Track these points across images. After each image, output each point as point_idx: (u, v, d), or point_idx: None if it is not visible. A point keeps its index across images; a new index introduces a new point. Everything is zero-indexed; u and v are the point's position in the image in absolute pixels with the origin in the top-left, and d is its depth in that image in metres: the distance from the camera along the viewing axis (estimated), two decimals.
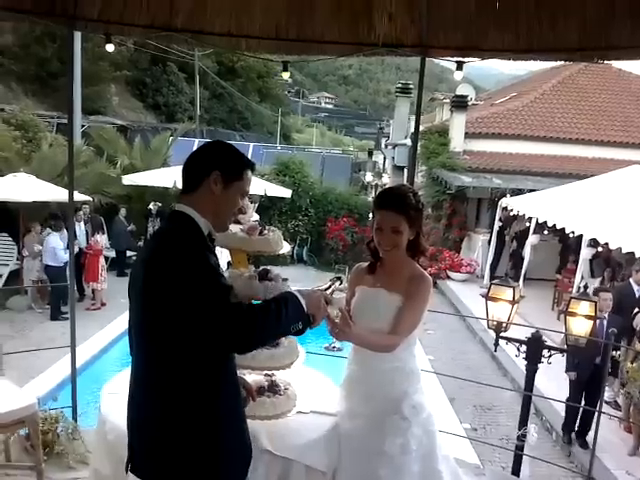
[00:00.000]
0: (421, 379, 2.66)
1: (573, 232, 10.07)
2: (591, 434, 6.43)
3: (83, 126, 17.33)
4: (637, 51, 3.36)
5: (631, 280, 7.85)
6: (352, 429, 2.57)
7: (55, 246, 10.27)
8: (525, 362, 4.06)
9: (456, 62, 3.90)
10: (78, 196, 10.50)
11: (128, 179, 14.04)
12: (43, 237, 10.76)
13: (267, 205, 15.41)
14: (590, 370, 6.44)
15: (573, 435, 6.87)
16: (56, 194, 10.71)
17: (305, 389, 2.91)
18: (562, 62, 11.66)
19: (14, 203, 10.86)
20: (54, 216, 11.01)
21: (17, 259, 11.41)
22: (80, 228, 11.43)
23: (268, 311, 1.90)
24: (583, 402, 6.70)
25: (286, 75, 4.45)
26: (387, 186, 3.00)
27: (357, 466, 2.53)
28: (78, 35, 12.58)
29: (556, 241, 13.62)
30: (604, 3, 3.35)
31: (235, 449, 2.02)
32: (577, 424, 6.86)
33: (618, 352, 7.02)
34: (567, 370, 6.68)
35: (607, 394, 7.43)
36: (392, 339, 2.49)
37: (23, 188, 10.57)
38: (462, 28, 3.79)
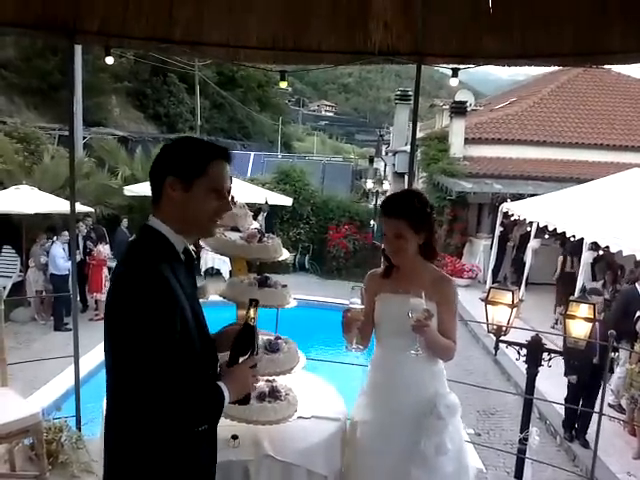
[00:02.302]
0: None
1: (574, 236, 10.07)
2: (592, 435, 6.46)
3: (85, 138, 17.45)
4: (629, 56, 3.40)
5: (637, 284, 7.85)
6: (383, 431, 2.55)
7: (56, 254, 10.39)
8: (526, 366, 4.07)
9: (451, 69, 3.94)
10: (80, 207, 10.57)
11: (129, 190, 14.10)
12: (47, 247, 10.85)
13: (268, 213, 15.48)
14: (589, 371, 6.48)
15: (574, 433, 6.92)
16: (58, 206, 10.80)
17: (306, 394, 2.93)
18: (558, 67, 11.73)
19: (17, 215, 10.93)
20: (51, 229, 11.13)
21: (20, 271, 11.47)
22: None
23: (191, 408, 1.75)
24: (582, 402, 6.75)
25: (284, 84, 4.50)
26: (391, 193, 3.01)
27: (389, 467, 2.51)
28: (79, 48, 12.70)
29: (557, 245, 13.63)
30: (596, 9, 3.39)
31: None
32: (577, 423, 6.89)
33: (617, 353, 7.06)
34: (566, 374, 6.70)
35: (611, 398, 7.43)
36: (453, 346, 2.53)
37: (25, 200, 10.66)
38: (457, 35, 3.82)
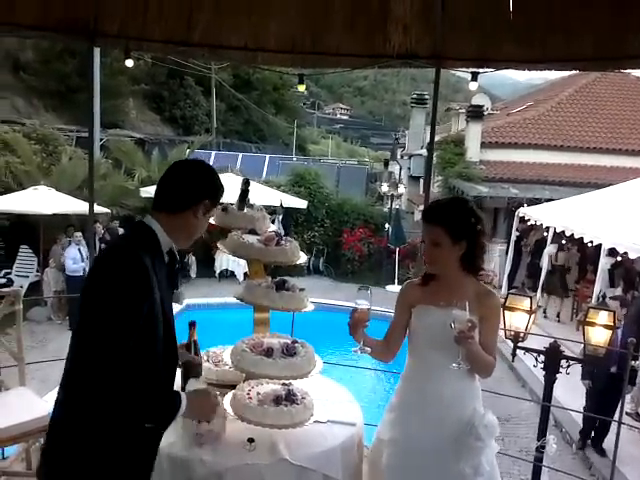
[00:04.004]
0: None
1: (592, 241, 9.97)
2: (608, 444, 6.39)
3: (102, 139, 17.60)
4: None
5: None
6: (417, 451, 2.44)
7: (67, 255, 10.53)
8: (543, 373, 4.02)
9: (471, 73, 3.91)
10: (96, 208, 10.64)
11: (146, 191, 14.18)
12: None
13: (283, 216, 15.49)
14: (606, 379, 6.38)
15: (588, 442, 6.88)
16: (75, 206, 10.91)
17: (322, 398, 2.92)
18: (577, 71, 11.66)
19: (34, 215, 11.05)
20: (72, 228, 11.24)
21: (37, 271, 11.59)
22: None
23: (135, 403, 1.84)
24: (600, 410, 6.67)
25: (302, 88, 4.50)
26: (438, 199, 2.92)
27: None
28: (97, 50, 12.82)
29: (574, 251, 13.51)
30: (618, 12, 3.35)
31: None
32: (593, 432, 6.85)
33: (637, 362, 6.93)
34: (582, 378, 6.64)
35: (628, 406, 7.33)
36: (493, 361, 2.45)
37: (43, 201, 10.78)
38: (476, 39, 3.80)
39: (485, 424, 2.42)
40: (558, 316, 12.18)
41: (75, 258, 10.43)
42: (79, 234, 10.70)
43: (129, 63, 4.04)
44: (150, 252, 1.90)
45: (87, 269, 10.33)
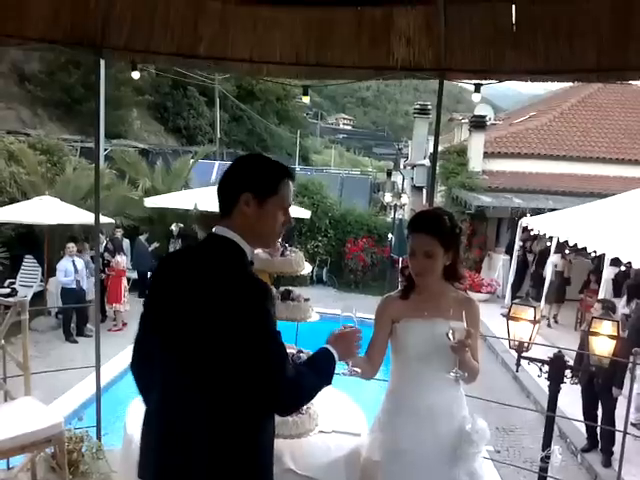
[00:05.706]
0: None
1: (595, 251, 9.96)
2: (614, 454, 6.36)
3: (106, 150, 17.66)
4: None
5: None
6: (413, 465, 2.41)
7: (58, 267, 10.51)
8: (547, 383, 4.02)
9: (474, 84, 3.93)
10: (101, 218, 10.66)
11: (150, 201, 14.23)
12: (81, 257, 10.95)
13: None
14: (585, 380, 6.45)
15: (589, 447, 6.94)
16: (80, 217, 10.95)
17: (327, 408, 2.92)
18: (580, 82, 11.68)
19: (39, 226, 11.08)
20: (87, 239, 11.25)
21: (41, 280, 11.62)
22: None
23: (310, 382, 1.90)
24: (601, 416, 6.72)
25: (306, 99, 4.53)
26: (423, 209, 2.97)
27: None
28: (102, 62, 12.90)
29: (579, 260, 13.49)
30: (621, 23, 3.37)
31: None
32: (599, 441, 6.83)
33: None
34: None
35: (632, 416, 7.30)
36: (479, 367, 2.47)
37: (48, 211, 10.80)
38: (480, 50, 3.82)
39: (477, 429, 2.45)
40: (554, 318, 12.44)
41: (66, 271, 10.36)
42: (72, 245, 10.67)
43: (135, 75, 4.08)
44: (245, 267, 1.90)
45: (81, 281, 10.45)
